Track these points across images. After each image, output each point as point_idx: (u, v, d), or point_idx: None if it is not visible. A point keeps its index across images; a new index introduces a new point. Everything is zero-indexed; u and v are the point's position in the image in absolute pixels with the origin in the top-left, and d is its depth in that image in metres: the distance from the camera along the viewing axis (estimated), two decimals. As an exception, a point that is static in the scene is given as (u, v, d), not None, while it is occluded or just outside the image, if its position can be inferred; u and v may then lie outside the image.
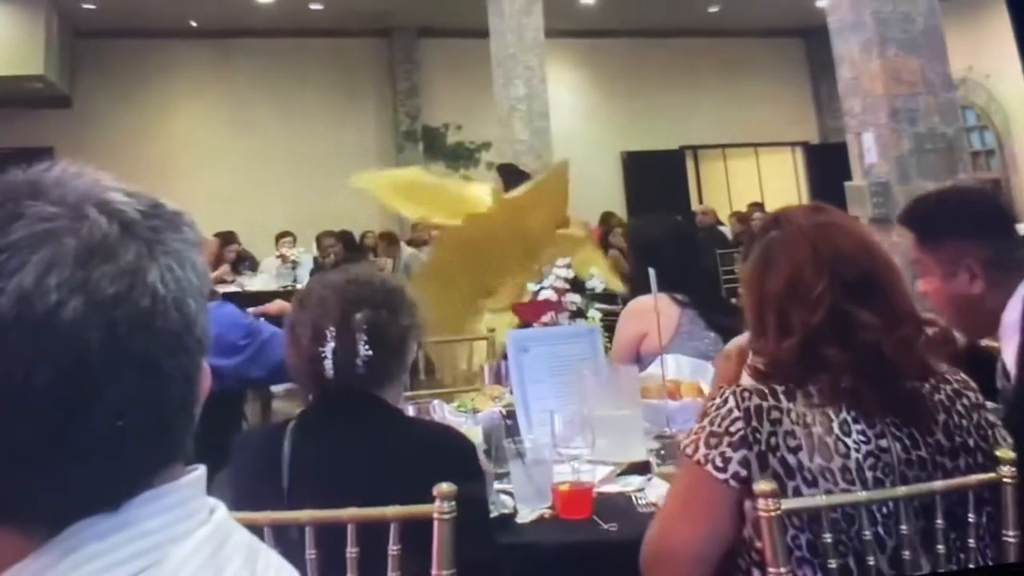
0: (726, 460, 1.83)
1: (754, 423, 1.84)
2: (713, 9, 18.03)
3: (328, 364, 2.20)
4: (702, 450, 1.86)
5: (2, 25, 14.14)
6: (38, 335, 0.78)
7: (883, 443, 1.85)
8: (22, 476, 0.80)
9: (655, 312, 3.40)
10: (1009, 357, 2.32)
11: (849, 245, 1.96)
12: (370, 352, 2.20)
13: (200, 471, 0.92)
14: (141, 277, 0.83)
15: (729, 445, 1.83)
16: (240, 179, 16.69)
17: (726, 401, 1.88)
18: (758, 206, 15.44)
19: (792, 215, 2.06)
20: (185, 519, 0.87)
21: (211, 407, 0.95)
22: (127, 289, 0.82)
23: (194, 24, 16.90)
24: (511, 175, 7.51)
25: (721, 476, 1.83)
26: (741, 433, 1.83)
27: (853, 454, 1.83)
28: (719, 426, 1.86)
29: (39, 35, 14.40)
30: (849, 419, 1.86)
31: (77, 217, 0.82)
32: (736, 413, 1.85)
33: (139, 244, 0.84)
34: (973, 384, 2.01)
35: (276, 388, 8.75)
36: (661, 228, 4.13)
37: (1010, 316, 2.32)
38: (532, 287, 4.14)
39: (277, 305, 3.87)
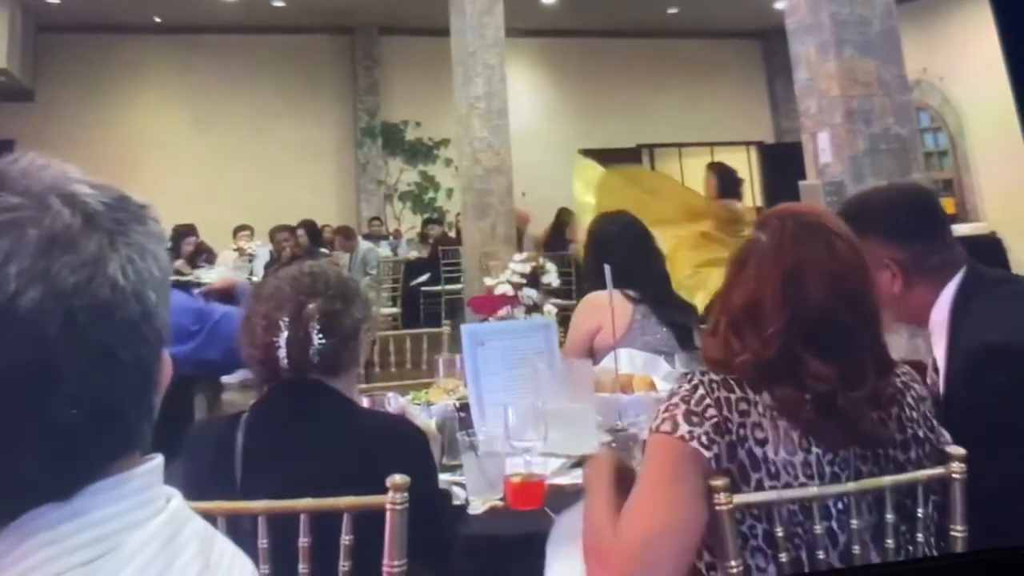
0: (711, 440, 1.80)
1: (725, 412, 1.82)
2: (672, 10, 18.09)
3: (282, 354, 2.21)
4: (684, 427, 1.81)
5: (-35, 19, 14.02)
6: None
7: None
8: None
9: (609, 307, 3.41)
10: (938, 353, 2.39)
11: (822, 289, 1.88)
12: (323, 341, 2.22)
13: (157, 460, 0.93)
14: (102, 268, 0.84)
15: (710, 427, 1.81)
16: (201, 173, 16.64)
17: (696, 388, 1.86)
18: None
19: (780, 226, 1.97)
20: (140, 508, 0.88)
21: (164, 397, 0.95)
22: (87, 279, 0.83)
23: (158, 20, 16.80)
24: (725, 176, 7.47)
25: (707, 453, 1.79)
26: (715, 420, 1.81)
27: (814, 448, 1.84)
28: (695, 406, 1.83)
29: (2, 29, 14.28)
30: None
31: (40, 208, 0.84)
32: (708, 401, 1.84)
33: (101, 235, 0.86)
34: (918, 376, 2.03)
35: (228, 379, 8.70)
36: (616, 225, 4.14)
37: (938, 316, 2.39)
38: (489, 281, 4.15)
39: (223, 280, 3.82)
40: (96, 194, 0.87)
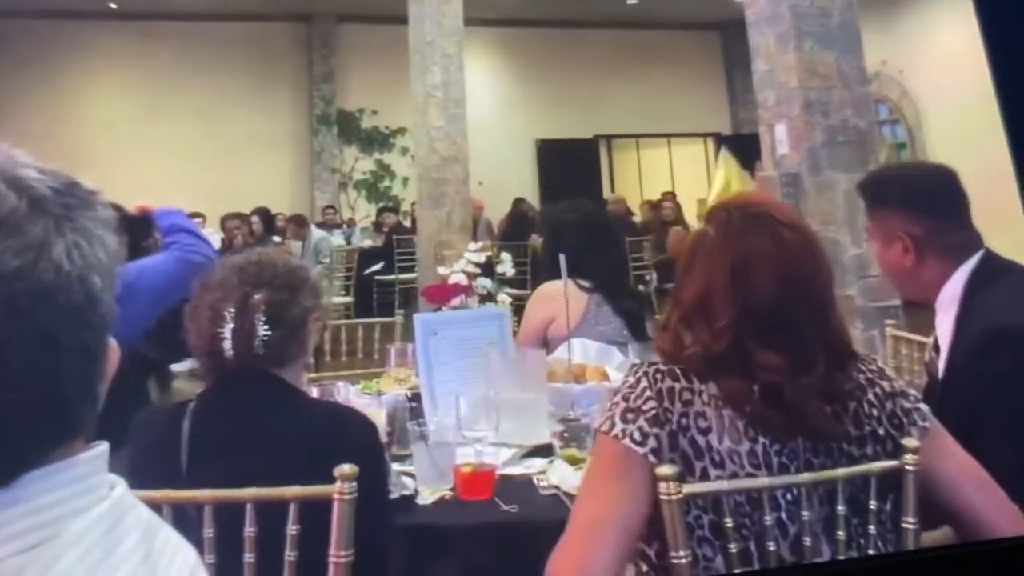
0: (644, 435, 1.81)
1: (666, 403, 1.83)
2: (632, 1, 18.15)
3: (227, 345, 2.20)
4: (619, 425, 1.84)
5: (-88, 3, 13.84)
6: None
7: None
8: None
9: (564, 297, 3.41)
10: (943, 331, 2.41)
11: (769, 281, 1.89)
12: (268, 333, 2.20)
13: (102, 447, 0.92)
14: (46, 252, 0.84)
15: (645, 421, 1.82)
16: (154, 160, 16.52)
17: (639, 381, 1.88)
18: (670, 194, 15.72)
19: (727, 219, 1.98)
20: (82, 495, 0.87)
21: (113, 384, 0.95)
22: (31, 263, 0.83)
23: (113, 6, 16.66)
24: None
25: (640, 450, 1.81)
26: (653, 412, 1.82)
27: (761, 438, 1.84)
28: (633, 403, 1.85)
29: (-46, 14, 14.11)
30: None
31: None
32: (649, 393, 1.85)
33: (47, 220, 0.85)
34: (889, 373, 2.02)
35: (178, 367, 8.65)
36: (576, 213, 4.14)
37: (948, 294, 2.40)
38: (443, 271, 4.13)
39: (138, 207, 3.71)
40: (44, 179, 0.87)
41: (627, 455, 1.82)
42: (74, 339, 0.86)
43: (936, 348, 2.46)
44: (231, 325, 2.20)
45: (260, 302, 2.22)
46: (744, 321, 1.87)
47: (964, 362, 2.28)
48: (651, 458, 1.81)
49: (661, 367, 1.90)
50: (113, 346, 0.94)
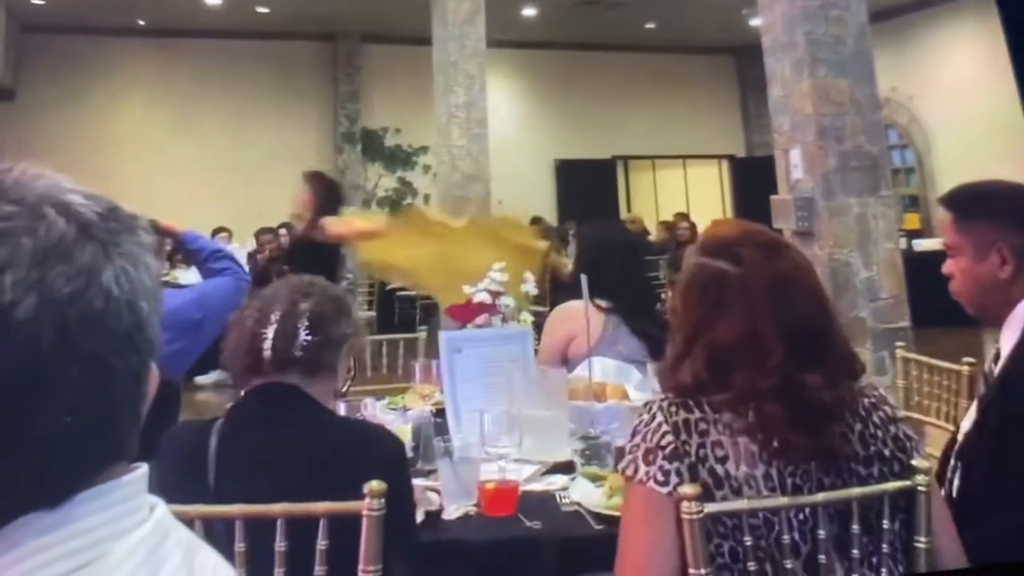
0: (666, 473, 1.84)
1: (683, 436, 1.86)
2: (650, 25, 18.15)
3: (267, 344, 2.27)
4: (642, 469, 1.86)
5: (-54, 18, 13.91)
6: None
7: None
8: None
9: (583, 316, 3.45)
10: (1008, 343, 2.39)
11: (805, 304, 1.94)
12: (309, 338, 2.28)
13: (143, 469, 0.93)
14: (96, 278, 0.84)
15: (664, 458, 1.85)
16: (180, 176, 16.53)
17: (654, 416, 1.90)
18: (684, 216, 15.75)
19: (754, 257, 1.98)
20: (125, 517, 0.88)
21: (153, 403, 0.96)
22: (82, 289, 0.82)
23: (142, 23, 16.66)
24: None
25: (664, 490, 1.83)
26: (672, 446, 1.85)
27: (775, 461, 1.87)
28: (651, 441, 1.87)
29: (-14, 29, 14.17)
30: None
31: (35, 217, 0.83)
32: (665, 427, 1.87)
33: (95, 245, 0.85)
34: (890, 400, 2.06)
35: (203, 379, 8.71)
36: (611, 235, 4.20)
37: (1022, 308, 2.38)
38: (468, 290, 4.18)
39: (164, 224, 3.75)
40: (90, 204, 0.87)
41: (654, 497, 1.85)
42: (123, 363, 0.86)
43: (996, 359, 2.44)
44: (275, 326, 2.29)
45: (305, 309, 2.32)
46: (792, 350, 1.89)
47: (1017, 367, 2.31)
48: (675, 494, 1.83)
49: (674, 399, 1.92)
50: (153, 368, 0.94)
